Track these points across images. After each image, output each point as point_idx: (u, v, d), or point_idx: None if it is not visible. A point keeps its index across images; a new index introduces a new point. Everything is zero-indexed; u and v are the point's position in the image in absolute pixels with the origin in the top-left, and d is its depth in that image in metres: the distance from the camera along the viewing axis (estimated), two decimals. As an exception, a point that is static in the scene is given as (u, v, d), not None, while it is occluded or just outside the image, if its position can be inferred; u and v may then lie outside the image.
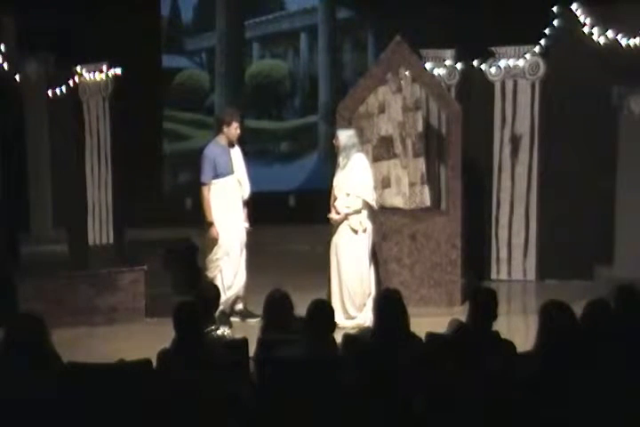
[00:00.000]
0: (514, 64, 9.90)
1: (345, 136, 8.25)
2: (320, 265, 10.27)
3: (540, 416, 4.56)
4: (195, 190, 8.73)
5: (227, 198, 8.41)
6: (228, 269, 8.46)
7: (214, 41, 14.23)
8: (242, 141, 8.68)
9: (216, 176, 8.36)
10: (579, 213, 9.74)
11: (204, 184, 8.35)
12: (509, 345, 5.31)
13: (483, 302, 5.39)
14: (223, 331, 6.66)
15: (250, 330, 6.29)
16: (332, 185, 8.38)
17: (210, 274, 8.49)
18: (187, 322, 5.20)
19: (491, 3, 11.51)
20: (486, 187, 10.08)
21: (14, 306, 8.33)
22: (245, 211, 8.56)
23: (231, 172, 8.40)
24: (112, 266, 9.11)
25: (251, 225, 8.55)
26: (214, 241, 8.37)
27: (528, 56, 9.87)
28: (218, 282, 8.23)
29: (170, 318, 5.18)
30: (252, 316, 8.28)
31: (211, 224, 8.33)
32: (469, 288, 8.11)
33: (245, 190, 8.51)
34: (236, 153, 8.50)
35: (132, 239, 10.72)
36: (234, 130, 8.39)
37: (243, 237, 8.52)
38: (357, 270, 8.25)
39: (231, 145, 8.45)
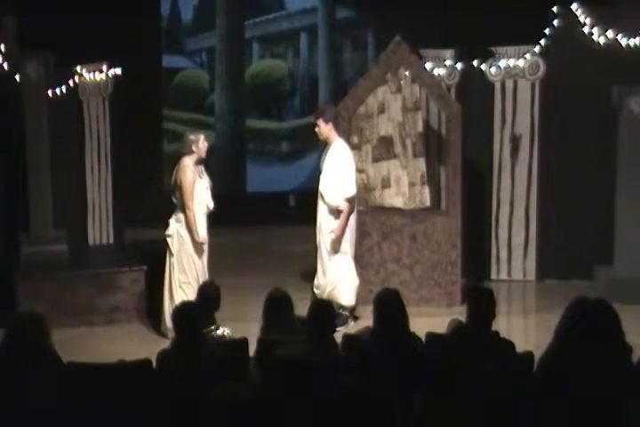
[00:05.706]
0: (514, 64, 9.89)
1: None
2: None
3: (540, 416, 4.55)
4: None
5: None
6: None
7: (214, 41, 14.20)
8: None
9: None
10: (579, 213, 9.74)
11: None
12: (509, 345, 5.31)
13: (480, 301, 5.39)
14: (223, 331, 6.68)
15: (250, 330, 6.29)
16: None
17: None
18: (187, 322, 5.21)
19: (491, 3, 11.49)
20: (486, 187, 10.06)
21: (14, 306, 8.33)
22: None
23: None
24: (112, 266, 9.11)
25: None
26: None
27: (528, 56, 9.86)
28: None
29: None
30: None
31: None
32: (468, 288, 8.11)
33: (324, 195, 8.28)
34: (329, 153, 8.39)
35: (132, 239, 10.73)
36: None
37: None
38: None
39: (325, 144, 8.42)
